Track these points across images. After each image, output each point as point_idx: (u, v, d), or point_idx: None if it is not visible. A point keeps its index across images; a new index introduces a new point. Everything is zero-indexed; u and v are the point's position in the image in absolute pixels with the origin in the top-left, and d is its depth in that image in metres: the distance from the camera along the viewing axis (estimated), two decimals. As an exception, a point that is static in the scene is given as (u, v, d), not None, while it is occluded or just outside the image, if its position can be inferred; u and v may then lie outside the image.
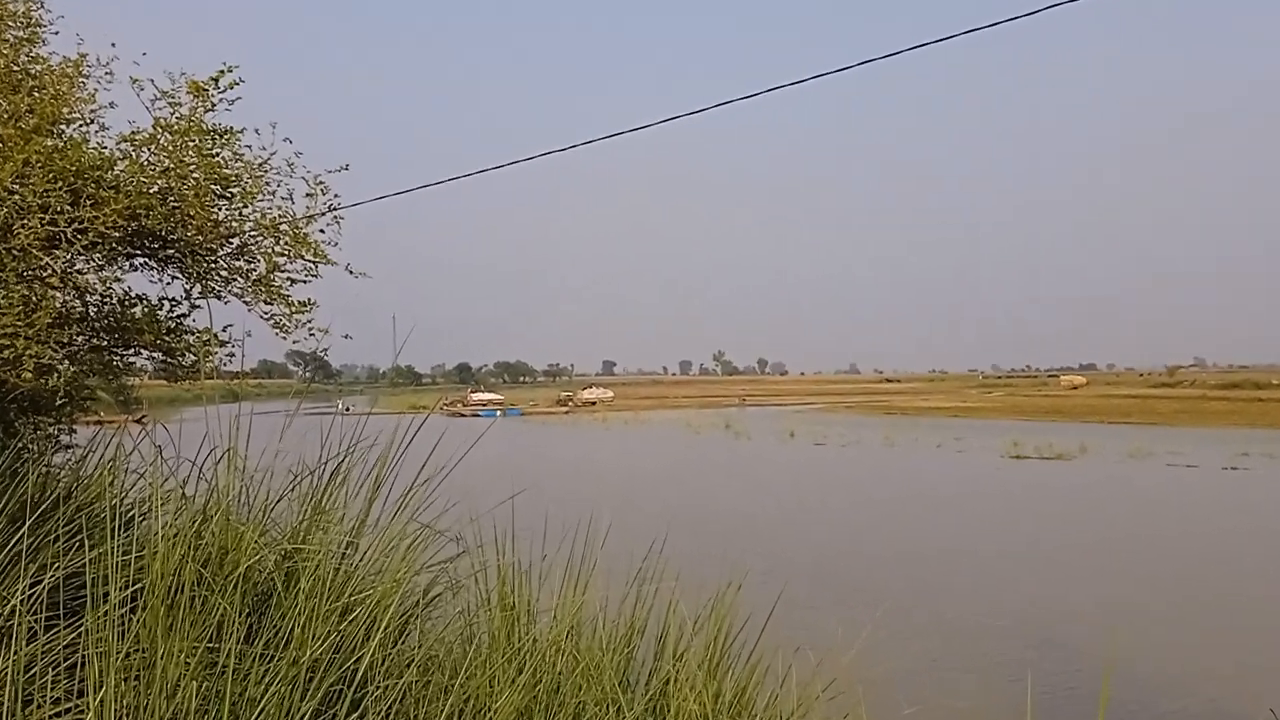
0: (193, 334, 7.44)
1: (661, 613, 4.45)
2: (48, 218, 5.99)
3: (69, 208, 6.10)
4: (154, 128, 6.82)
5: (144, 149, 6.83)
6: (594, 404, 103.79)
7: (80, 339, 6.75)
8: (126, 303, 7.28)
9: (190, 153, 6.85)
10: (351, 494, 4.37)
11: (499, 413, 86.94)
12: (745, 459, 41.41)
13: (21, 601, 3.50)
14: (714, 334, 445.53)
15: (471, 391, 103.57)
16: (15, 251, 5.96)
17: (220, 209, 7.12)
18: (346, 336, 7.22)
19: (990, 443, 45.96)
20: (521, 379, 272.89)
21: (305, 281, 7.50)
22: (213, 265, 7.32)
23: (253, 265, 7.42)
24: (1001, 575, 17.28)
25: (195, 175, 6.85)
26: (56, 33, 6.76)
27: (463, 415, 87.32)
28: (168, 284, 7.31)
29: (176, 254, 7.11)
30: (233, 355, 7.47)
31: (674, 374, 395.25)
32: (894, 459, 40.39)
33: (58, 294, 6.31)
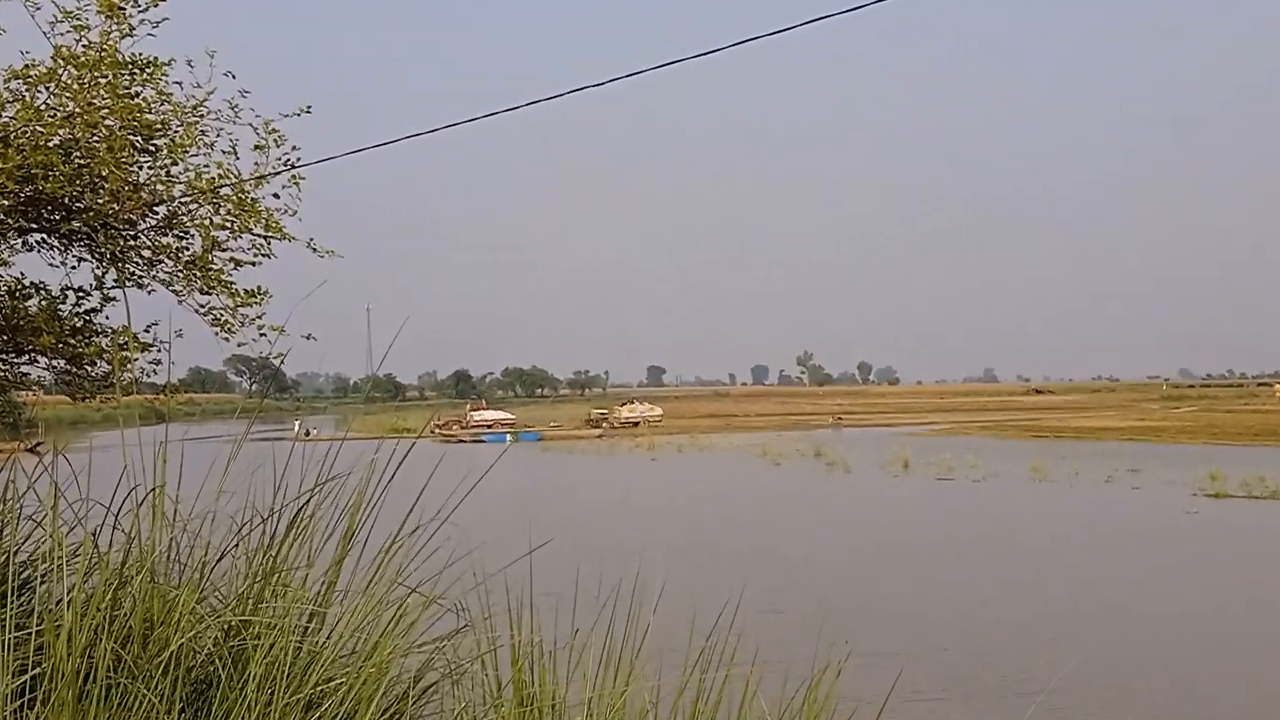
0: (105, 335, 7.49)
1: (733, 706, 4.40)
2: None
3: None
4: (54, 59, 6.78)
5: (40, 88, 6.83)
6: (636, 424, 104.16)
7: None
8: (18, 293, 7.35)
9: (102, 92, 6.79)
10: (316, 548, 4.38)
11: (509, 437, 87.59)
12: (843, 499, 41.20)
13: None
14: (797, 331, 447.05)
15: (472, 408, 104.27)
16: None
17: (142, 168, 7.16)
18: (308, 337, 7.21)
19: (1180, 475, 45.12)
20: (539, 391, 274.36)
21: (254, 264, 7.55)
22: (132, 243, 7.38)
23: (185, 242, 7.48)
24: (1215, 667, 16.90)
25: (108, 123, 6.83)
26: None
27: (461, 440, 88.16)
28: (73, 268, 7.38)
29: (84, 228, 7.15)
30: (158, 363, 7.53)
31: (744, 384, 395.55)
32: (1046, 498, 39.88)
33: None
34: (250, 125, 7.32)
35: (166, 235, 7.46)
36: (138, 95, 6.95)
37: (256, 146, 7.37)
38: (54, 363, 7.30)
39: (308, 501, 4.40)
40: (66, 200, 6.89)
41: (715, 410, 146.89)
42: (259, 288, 7.55)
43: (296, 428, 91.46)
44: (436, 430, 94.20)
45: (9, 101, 6.76)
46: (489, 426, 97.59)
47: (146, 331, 7.52)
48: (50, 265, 7.41)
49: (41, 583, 4.29)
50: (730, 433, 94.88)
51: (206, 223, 7.43)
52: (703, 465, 58.31)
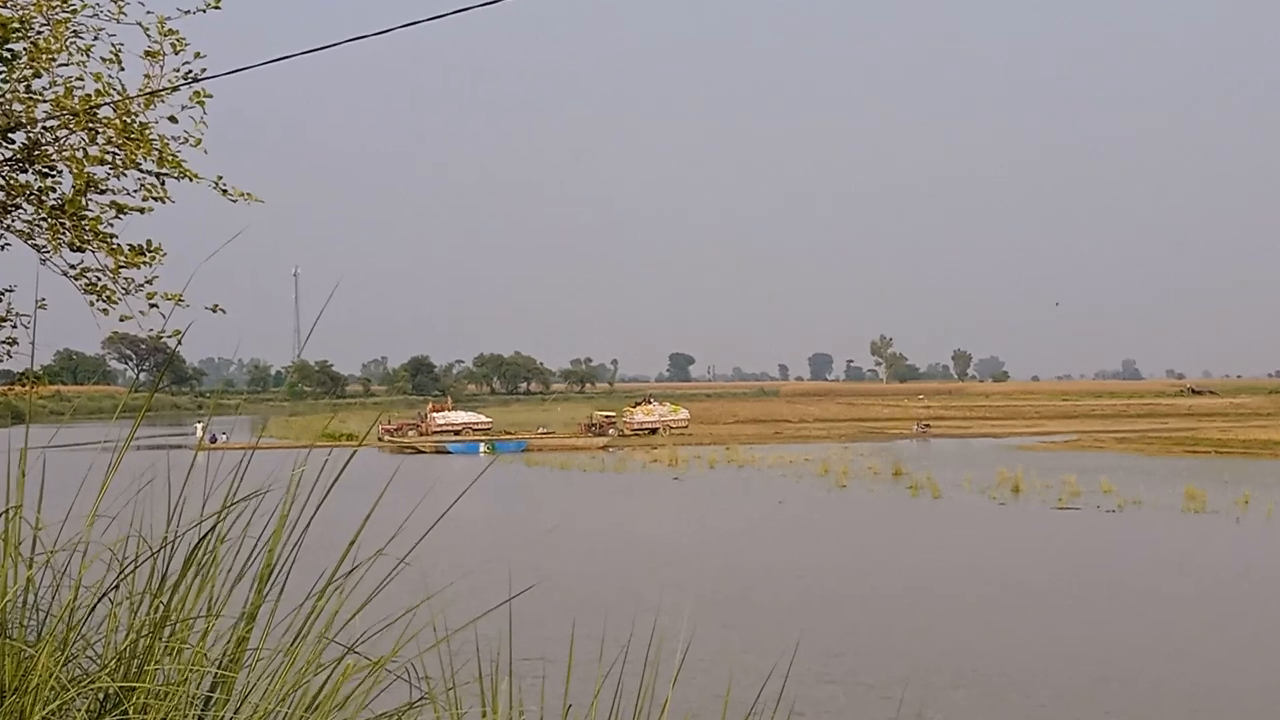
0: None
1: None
2: None
3: None
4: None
5: None
6: (654, 431, 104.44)
7: None
8: None
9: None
10: (223, 592, 4.38)
11: (483, 447, 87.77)
12: (930, 535, 41.18)
13: None
14: (872, 309, 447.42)
15: (434, 408, 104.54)
16: None
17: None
18: (215, 310, 7.21)
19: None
20: (524, 386, 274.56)
21: (143, 211, 7.55)
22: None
23: (50, 181, 7.49)
24: None
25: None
26: None
27: (419, 450, 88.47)
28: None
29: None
30: (13, 344, 7.52)
31: (800, 378, 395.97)
32: (1205, 536, 39.83)
33: None
34: (139, 25, 7.32)
35: (25, 172, 7.46)
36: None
37: (148, 53, 7.37)
38: None
39: (212, 530, 4.41)
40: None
41: (760, 413, 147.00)
42: (149, 243, 7.55)
43: (199, 432, 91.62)
44: (386, 436, 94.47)
45: None
46: (456, 432, 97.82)
47: (-2, 301, 7.53)
48: None
49: None
50: (780, 443, 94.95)
51: (79, 155, 7.42)
52: (743, 487, 58.39)
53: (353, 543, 4.38)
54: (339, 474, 4.51)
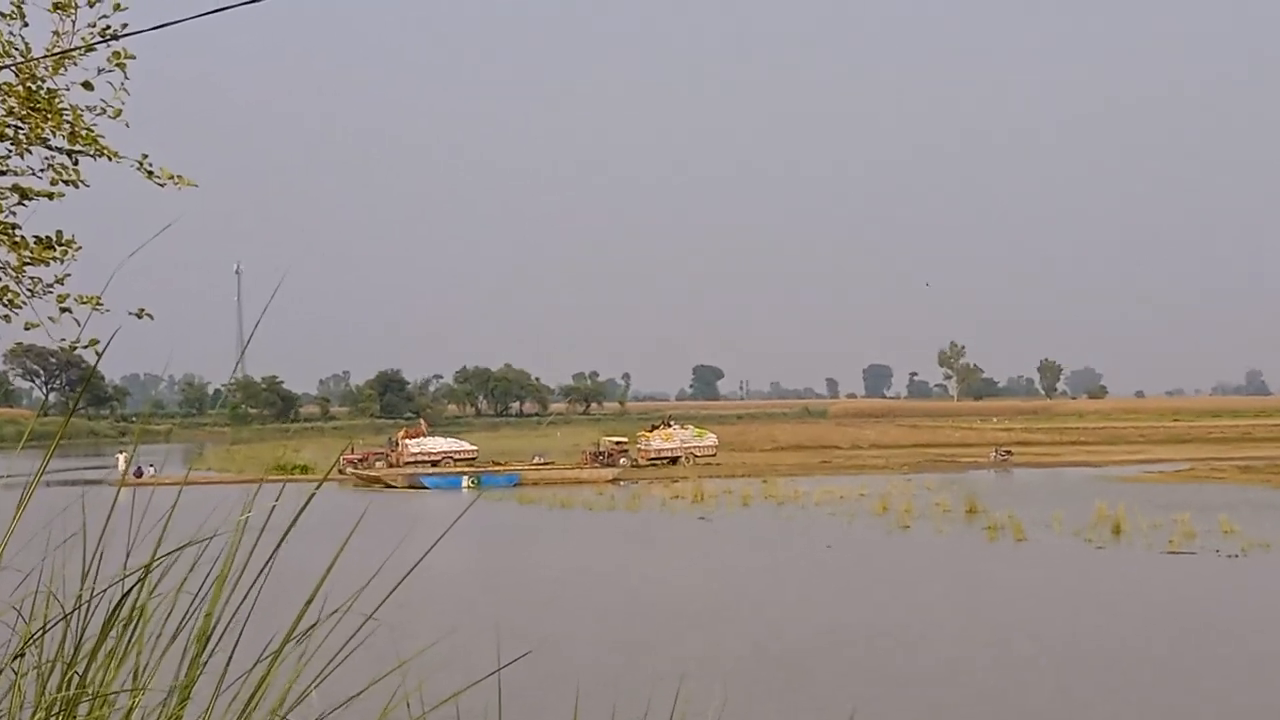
0: None
1: None
2: None
3: None
4: None
5: None
6: (675, 460, 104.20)
7: None
8: None
9: None
10: (150, 661, 4.38)
11: (467, 481, 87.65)
12: (1011, 586, 41.06)
13: None
14: (940, 312, 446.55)
15: (407, 434, 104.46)
16: None
17: None
18: (141, 315, 7.22)
19: None
20: (515, 406, 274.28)
21: (51, 197, 7.55)
22: None
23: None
24: None
25: None
26: None
27: (389, 485, 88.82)
28: None
29: None
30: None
31: (852, 395, 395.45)
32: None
33: None
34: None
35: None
36: None
37: (57, 6, 7.38)
38: None
39: (139, 584, 4.41)
40: None
41: (805, 438, 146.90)
42: (59, 235, 7.56)
43: (121, 464, 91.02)
44: (348, 468, 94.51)
45: None
46: (433, 463, 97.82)
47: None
48: None
49: None
50: (829, 475, 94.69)
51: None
52: (784, 529, 58.26)
53: (310, 599, 4.38)
54: (296, 517, 4.49)
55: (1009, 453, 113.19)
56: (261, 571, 4.41)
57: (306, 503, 4.46)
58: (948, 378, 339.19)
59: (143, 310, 7.25)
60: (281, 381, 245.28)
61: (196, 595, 4.41)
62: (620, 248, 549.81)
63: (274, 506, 4.58)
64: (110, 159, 7.41)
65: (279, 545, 4.43)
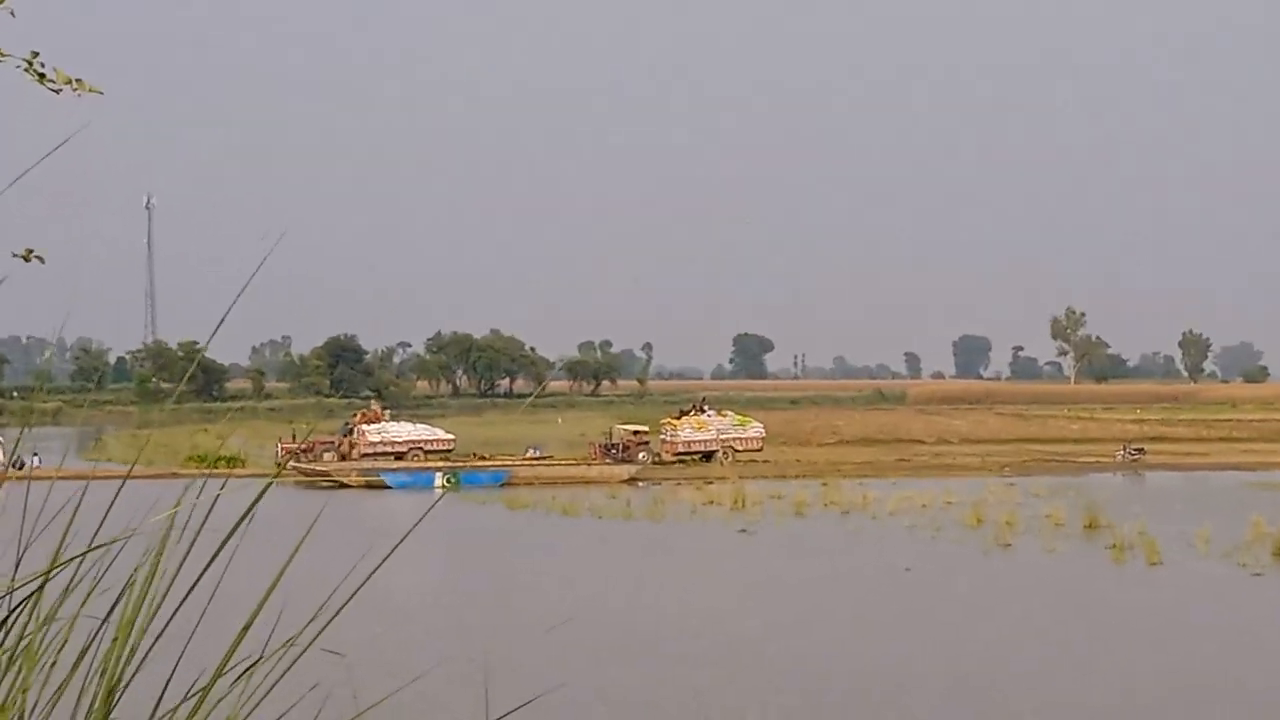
0: None
1: None
2: None
3: None
4: None
5: None
6: (709, 455, 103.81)
7: None
8: None
9: None
10: (40, 708, 4.39)
11: (440, 479, 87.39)
12: (1142, 621, 41.01)
13: None
14: (1052, 273, 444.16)
15: (365, 418, 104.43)
16: None
17: None
18: (27, 258, 7.20)
19: None
20: (503, 384, 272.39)
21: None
22: None
23: None
24: None
25: None
26: None
27: (341, 483, 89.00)
28: None
29: None
30: None
31: (938, 374, 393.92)
32: None
33: None
34: None
35: None
36: None
37: None
38: None
39: (26, 607, 4.41)
40: None
41: (877, 429, 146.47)
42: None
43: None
44: (288, 460, 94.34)
45: None
46: (398, 455, 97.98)
47: None
48: None
49: None
50: (908, 476, 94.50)
51: None
52: (848, 545, 58.24)
53: (247, 626, 4.38)
54: (239, 523, 4.48)
55: (1141, 450, 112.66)
56: (189, 592, 4.41)
57: (252, 506, 4.46)
58: (1063, 354, 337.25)
59: (30, 252, 7.23)
60: (203, 348, 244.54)
61: (100, 628, 4.41)
62: (641, 183, 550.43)
63: (195, 506, 4.58)
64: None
65: (212, 560, 4.42)
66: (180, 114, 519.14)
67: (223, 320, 5.38)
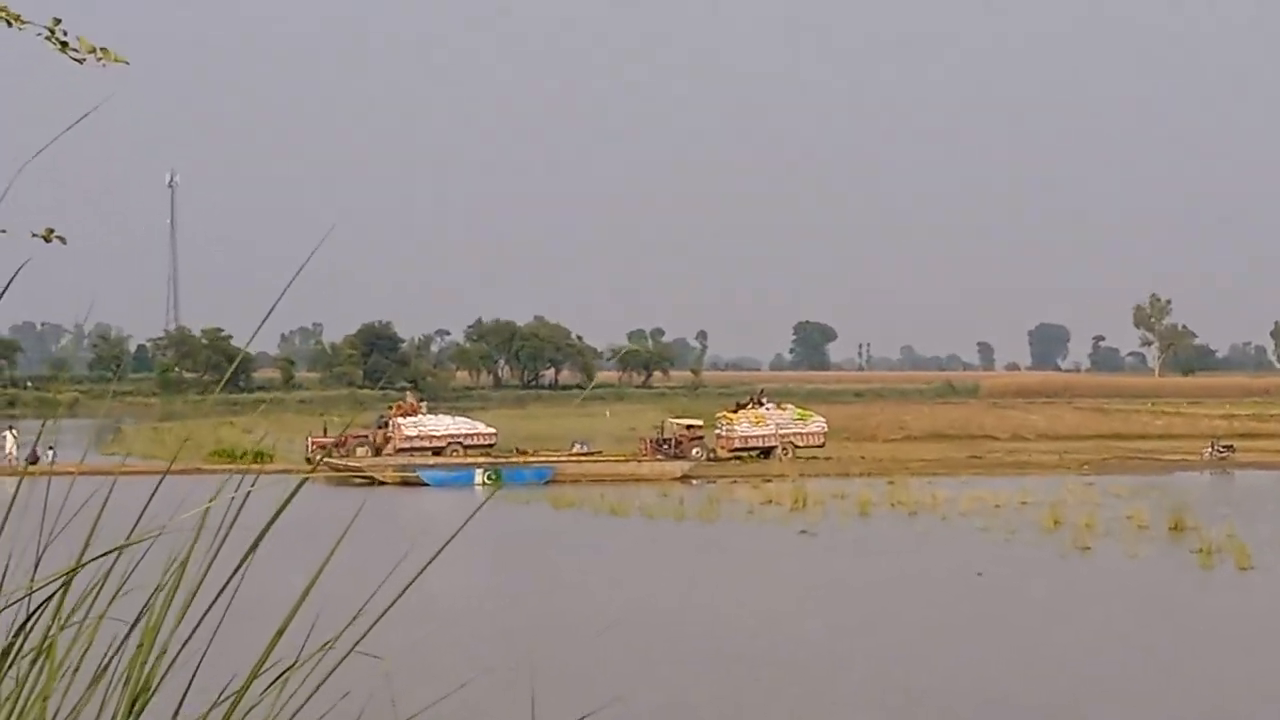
0: None
1: None
2: None
3: None
4: None
5: None
6: (767, 452, 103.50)
7: None
8: None
9: None
10: (60, 717, 4.41)
11: (481, 476, 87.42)
12: (1231, 632, 40.83)
13: None
14: (1136, 256, 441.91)
15: (401, 410, 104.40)
16: None
17: None
18: (49, 238, 7.24)
19: None
20: (548, 375, 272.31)
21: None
22: None
23: None
24: None
25: None
26: None
27: (375, 480, 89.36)
28: None
29: None
30: None
31: (1015, 366, 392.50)
32: None
33: None
34: None
35: None
36: None
37: None
38: None
39: (43, 610, 4.44)
40: None
41: (947, 423, 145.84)
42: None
43: (9, 444, 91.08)
44: (322, 456, 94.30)
45: None
46: (436, 451, 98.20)
47: None
48: None
49: None
50: (980, 474, 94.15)
51: None
52: (916, 548, 58.12)
53: (282, 628, 4.40)
54: (271, 522, 4.48)
55: (1230, 447, 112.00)
56: (220, 594, 4.42)
57: (285, 503, 4.47)
58: (1147, 344, 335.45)
59: (51, 232, 7.26)
60: (229, 336, 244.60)
61: (123, 633, 4.42)
62: (693, 162, 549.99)
63: (232, 504, 4.60)
64: (10, 24, 7.45)
65: (244, 560, 4.43)
66: (207, 88, 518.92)
67: (264, 320, 5.41)
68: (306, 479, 4.64)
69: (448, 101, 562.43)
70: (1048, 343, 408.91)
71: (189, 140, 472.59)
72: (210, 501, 4.48)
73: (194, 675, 4.55)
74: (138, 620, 4.41)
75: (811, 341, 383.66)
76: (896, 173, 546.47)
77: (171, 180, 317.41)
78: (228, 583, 4.41)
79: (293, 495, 4.46)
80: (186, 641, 4.40)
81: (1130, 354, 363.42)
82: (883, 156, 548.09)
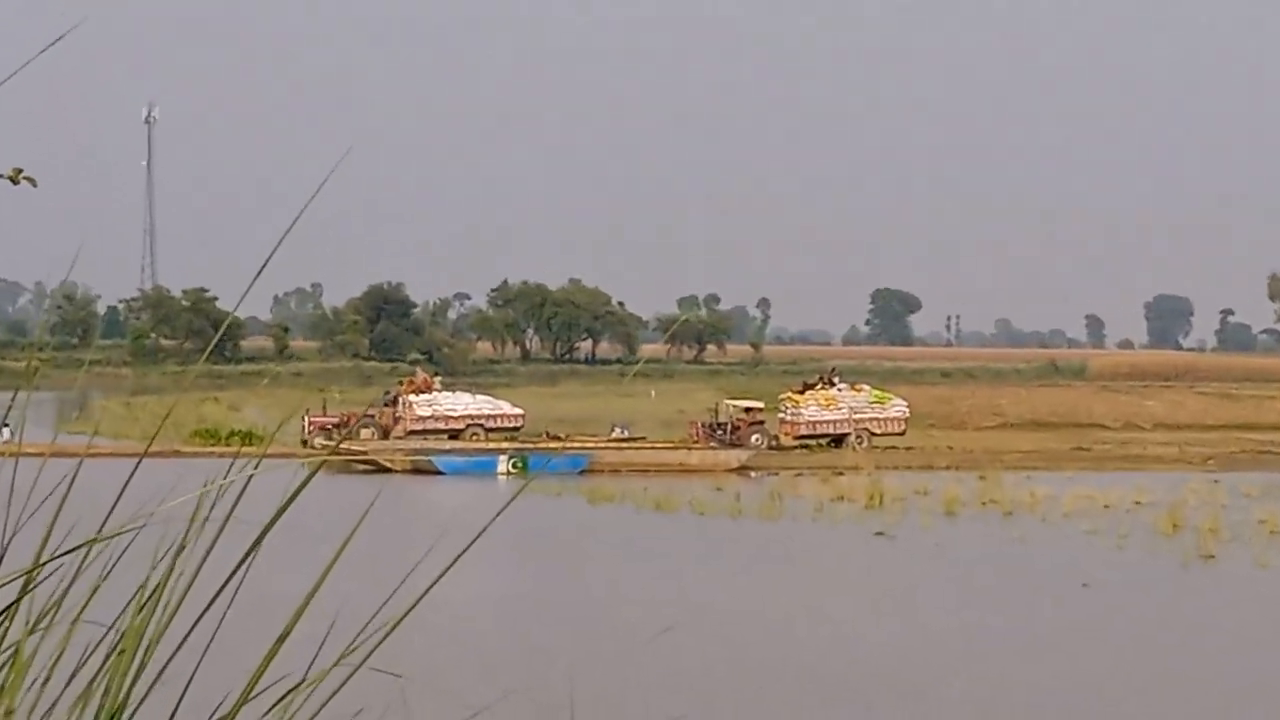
0: None
1: None
2: None
3: None
4: None
5: None
6: (839, 440, 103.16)
7: None
8: None
9: None
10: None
11: (504, 463, 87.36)
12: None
13: None
14: (1268, 222, 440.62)
15: (412, 386, 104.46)
16: None
17: None
18: (16, 180, 7.24)
19: None
20: (583, 347, 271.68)
21: None
22: None
23: None
24: None
25: None
26: None
27: (382, 466, 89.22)
28: None
29: None
30: None
31: (1129, 345, 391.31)
32: None
33: None
34: None
35: None
36: None
37: None
38: None
39: (7, 613, 4.45)
40: None
41: (1049, 409, 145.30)
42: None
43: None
44: (317, 437, 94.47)
45: None
46: (452, 433, 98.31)
47: None
48: None
49: None
50: (1087, 469, 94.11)
51: None
52: (1014, 555, 57.94)
53: (283, 636, 4.41)
54: (276, 516, 4.50)
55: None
56: (216, 598, 4.43)
57: (294, 495, 4.47)
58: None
59: (19, 172, 7.27)
60: (214, 298, 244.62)
61: (94, 640, 4.44)
62: (752, 101, 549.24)
63: (224, 491, 4.61)
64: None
65: (243, 561, 4.44)
66: (187, 11, 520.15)
67: (255, 280, 5.42)
68: (317, 470, 4.65)
69: (472, 24, 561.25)
70: (1167, 317, 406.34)
71: (170, 67, 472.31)
72: (205, 488, 4.48)
73: (185, 691, 4.56)
74: (114, 624, 4.43)
75: (891, 312, 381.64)
76: (991, 122, 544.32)
77: (149, 115, 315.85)
78: (224, 585, 4.42)
79: (305, 483, 4.48)
80: (175, 653, 4.42)
81: (1264, 331, 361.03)
82: (977, 107, 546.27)
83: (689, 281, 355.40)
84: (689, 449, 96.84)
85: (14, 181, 7.10)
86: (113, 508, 4.65)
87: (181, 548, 4.42)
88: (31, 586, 4.43)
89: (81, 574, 4.52)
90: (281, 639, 4.41)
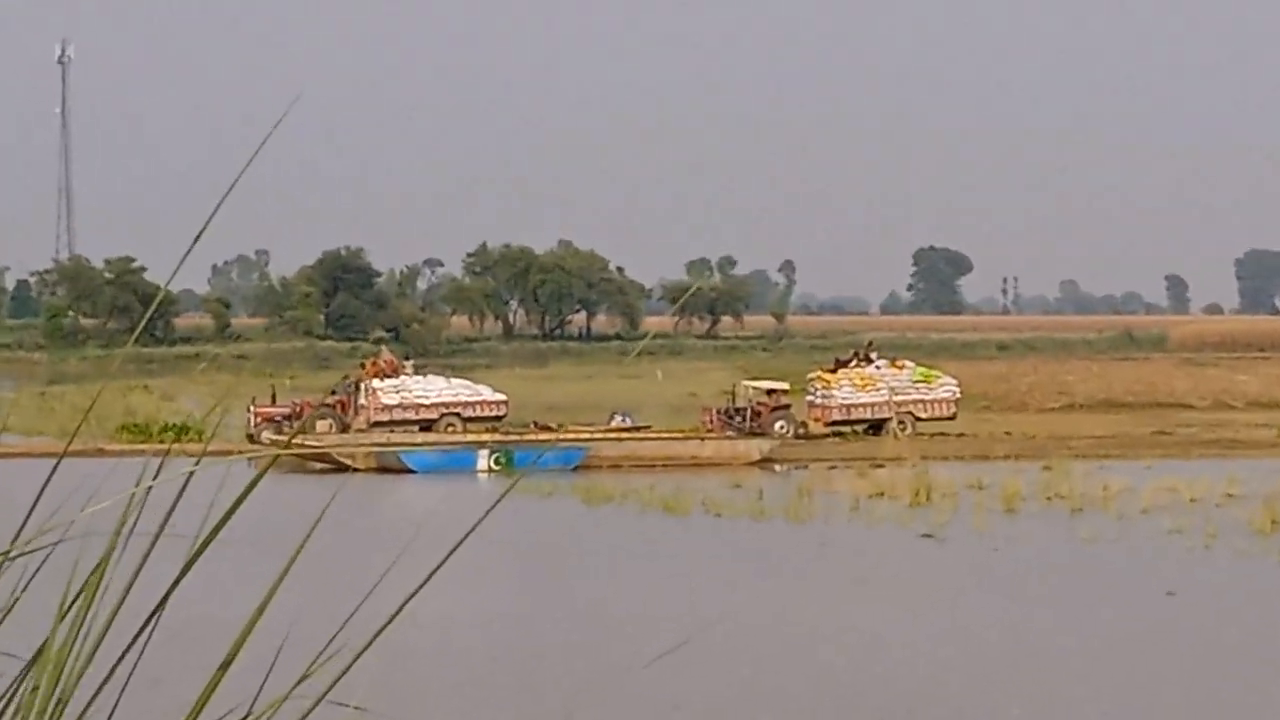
0: None
1: None
2: None
3: None
4: None
5: None
6: (878, 426, 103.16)
7: None
8: None
9: None
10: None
11: (487, 462, 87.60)
12: None
13: None
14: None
15: (375, 369, 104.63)
16: None
17: None
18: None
19: None
20: (574, 322, 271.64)
21: None
22: None
23: None
24: None
25: None
26: None
27: (343, 465, 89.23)
28: None
29: None
30: None
31: (1215, 309, 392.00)
32: None
33: None
34: None
35: None
36: None
37: None
38: None
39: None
40: None
41: (1122, 386, 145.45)
42: None
43: None
44: (263, 429, 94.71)
45: None
46: (424, 424, 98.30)
47: None
48: None
49: None
50: (1168, 455, 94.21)
51: None
52: (1084, 559, 58.08)
53: (227, 662, 4.45)
54: (223, 522, 4.54)
55: None
56: (149, 623, 4.48)
57: (240, 500, 4.51)
58: None
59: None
60: (142, 269, 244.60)
61: (9, 676, 4.49)
62: (775, 34, 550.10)
63: (150, 494, 4.66)
64: None
65: (184, 573, 4.48)
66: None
67: (191, 248, 5.46)
68: (271, 463, 4.70)
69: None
70: (1262, 276, 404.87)
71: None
72: (134, 492, 4.52)
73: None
74: (31, 658, 4.48)
75: (938, 275, 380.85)
76: (1049, 51, 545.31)
77: (63, 55, 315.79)
78: (159, 605, 4.46)
79: (252, 485, 4.52)
80: (102, 685, 4.46)
81: None
82: (1036, 38, 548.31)
83: (700, 243, 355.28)
84: (702, 439, 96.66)
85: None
86: (27, 517, 4.70)
87: (107, 562, 4.47)
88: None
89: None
90: (224, 666, 4.47)
